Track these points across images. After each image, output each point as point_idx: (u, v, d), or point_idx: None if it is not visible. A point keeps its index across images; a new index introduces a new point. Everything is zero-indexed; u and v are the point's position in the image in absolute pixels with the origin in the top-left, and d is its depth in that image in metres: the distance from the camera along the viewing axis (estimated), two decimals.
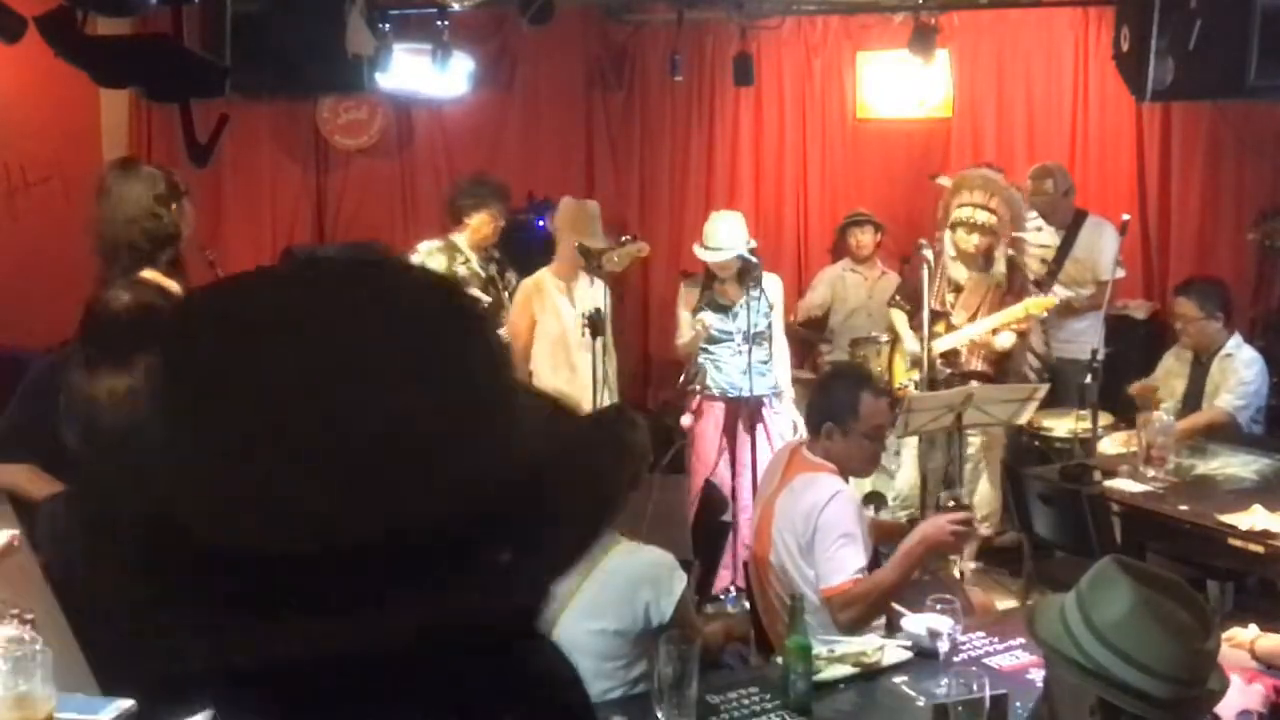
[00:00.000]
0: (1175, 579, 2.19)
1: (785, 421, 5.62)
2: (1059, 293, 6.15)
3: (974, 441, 5.65)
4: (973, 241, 5.65)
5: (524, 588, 0.73)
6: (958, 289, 5.73)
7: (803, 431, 4.65)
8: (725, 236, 5.58)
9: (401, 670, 0.70)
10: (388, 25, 5.33)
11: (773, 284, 5.69)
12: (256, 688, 0.69)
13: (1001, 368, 5.74)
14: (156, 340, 0.74)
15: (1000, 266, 5.71)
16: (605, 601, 3.17)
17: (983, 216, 5.65)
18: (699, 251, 5.68)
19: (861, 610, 3.47)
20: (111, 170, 4.49)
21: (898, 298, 6.05)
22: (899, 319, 5.92)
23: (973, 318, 5.69)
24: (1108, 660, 2.03)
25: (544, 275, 5.65)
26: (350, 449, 0.67)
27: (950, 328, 5.69)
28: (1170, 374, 5.70)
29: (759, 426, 5.57)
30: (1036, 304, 5.62)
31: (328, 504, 0.66)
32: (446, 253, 5.79)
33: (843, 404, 3.76)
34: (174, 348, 0.72)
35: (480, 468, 0.70)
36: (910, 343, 5.75)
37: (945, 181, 6.00)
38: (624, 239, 6.13)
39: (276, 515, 0.66)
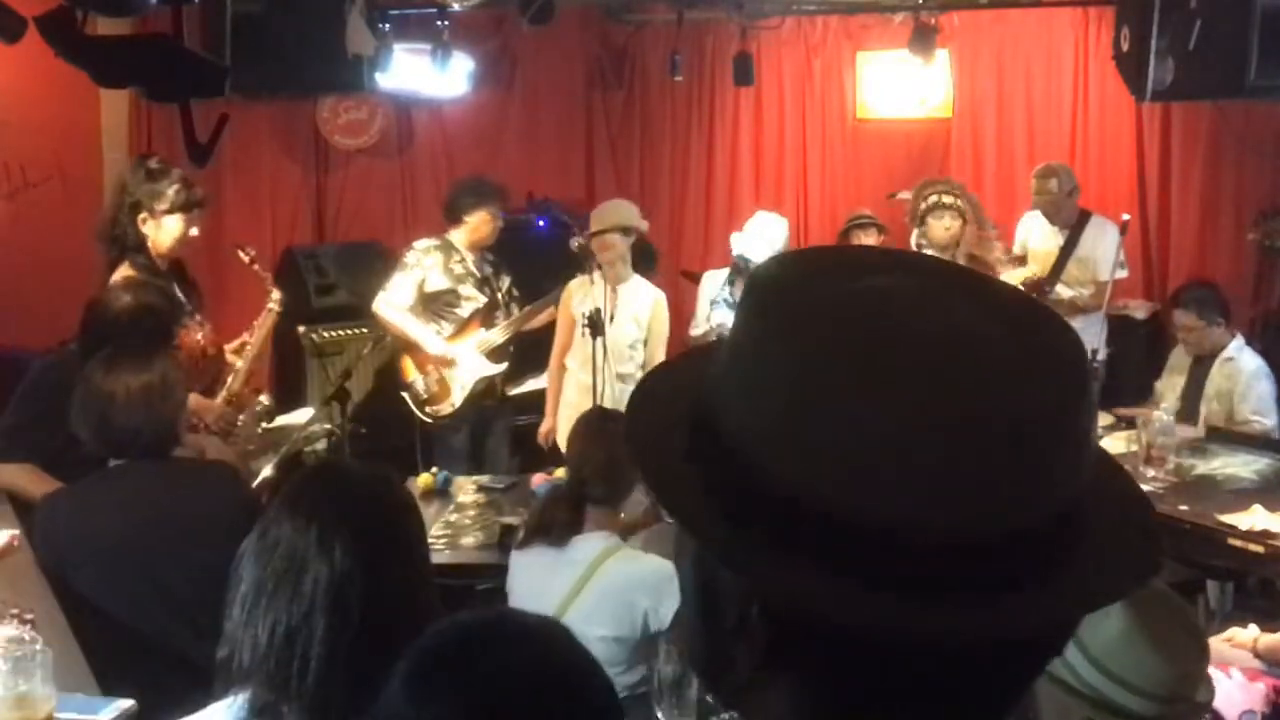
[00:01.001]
0: (1164, 590, 2.20)
1: None
2: (1062, 293, 6.15)
3: None
4: (944, 225, 5.88)
5: (1085, 603, 0.76)
6: None
7: None
8: (754, 241, 5.75)
9: (980, 665, 0.73)
10: (388, 25, 5.34)
11: None
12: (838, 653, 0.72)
13: None
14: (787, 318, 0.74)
15: (961, 255, 5.85)
16: (604, 608, 3.16)
17: (948, 199, 5.92)
18: (734, 239, 5.93)
19: None
20: (130, 164, 4.65)
21: None
22: None
23: None
24: (1098, 682, 2.04)
25: (593, 275, 5.60)
26: (1025, 439, 0.69)
27: None
28: (1173, 371, 5.69)
29: None
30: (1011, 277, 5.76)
31: (999, 491, 0.69)
32: (442, 251, 5.76)
33: None
34: (822, 326, 0.72)
35: (1086, 476, 0.74)
36: None
37: (905, 195, 6.16)
38: None
39: (955, 498, 0.68)
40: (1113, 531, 0.75)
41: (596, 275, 5.37)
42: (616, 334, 5.37)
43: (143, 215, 4.34)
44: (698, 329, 6.02)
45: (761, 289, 0.77)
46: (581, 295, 5.53)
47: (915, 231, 6.03)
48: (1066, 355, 0.74)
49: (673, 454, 0.76)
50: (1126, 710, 2.03)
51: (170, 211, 4.36)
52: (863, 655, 0.71)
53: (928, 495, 0.68)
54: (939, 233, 5.90)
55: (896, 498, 0.68)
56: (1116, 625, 2.05)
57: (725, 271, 6.07)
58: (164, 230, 4.37)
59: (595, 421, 3.74)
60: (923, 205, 5.95)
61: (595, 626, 3.10)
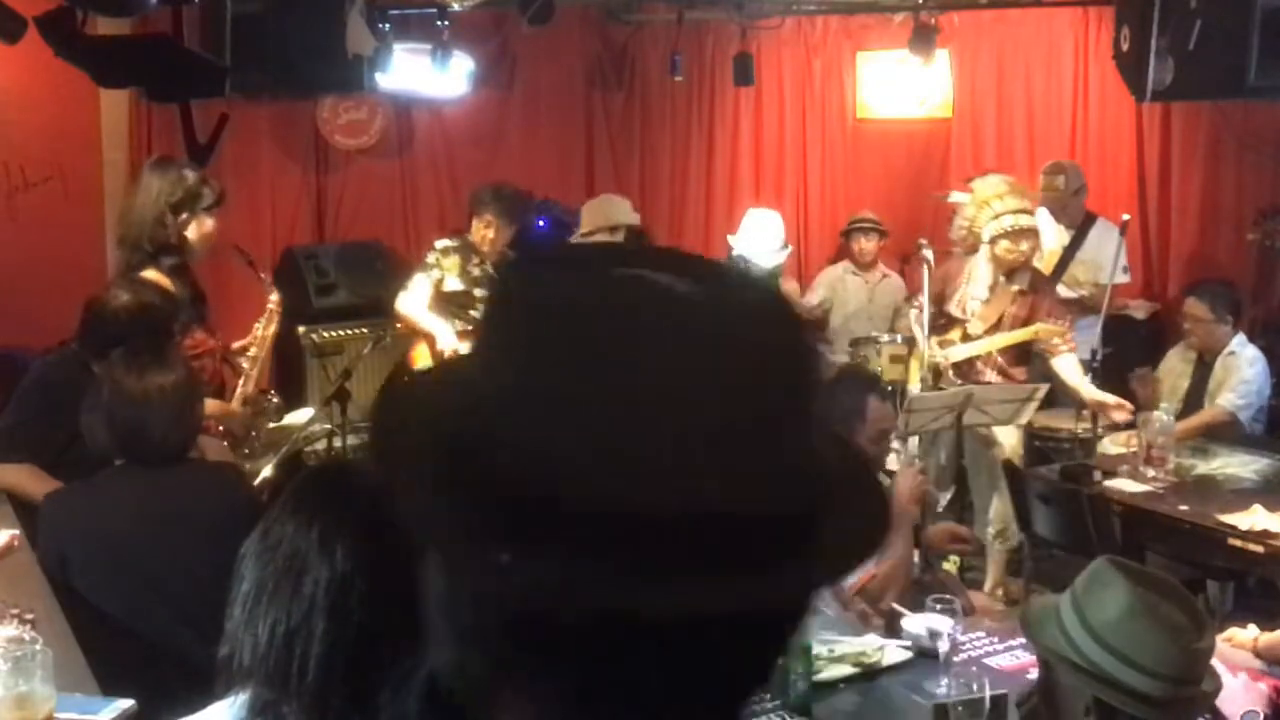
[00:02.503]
0: (1169, 579, 2.20)
1: None
2: (1063, 293, 6.13)
3: (985, 453, 5.55)
4: (1021, 249, 5.38)
5: (814, 583, 0.76)
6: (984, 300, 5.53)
7: None
8: (754, 239, 5.66)
9: (705, 644, 0.72)
10: (388, 25, 5.34)
11: (789, 290, 5.72)
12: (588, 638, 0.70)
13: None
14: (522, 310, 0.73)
15: (1027, 273, 5.53)
16: None
17: (1025, 221, 5.40)
18: (734, 243, 5.79)
19: (896, 589, 3.47)
20: (147, 164, 4.63)
21: (914, 297, 5.96)
22: (916, 328, 5.73)
23: (991, 328, 5.47)
24: (1104, 660, 2.04)
25: None
26: (735, 424, 0.69)
27: (967, 337, 5.53)
28: (1173, 372, 5.70)
29: None
30: (1045, 330, 5.38)
31: (711, 470, 0.68)
32: (460, 253, 5.81)
33: (848, 408, 3.72)
34: (544, 316, 0.72)
35: (807, 460, 0.74)
36: (935, 353, 5.57)
37: (960, 197, 5.75)
38: None
39: (675, 479, 0.68)
40: (847, 506, 0.76)
41: None
42: None
43: (184, 215, 4.37)
44: None
45: (493, 303, 0.77)
46: None
47: (984, 249, 5.44)
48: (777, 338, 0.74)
49: (412, 469, 0.74)
50: (1131, 688, 2.02)
51: (208, 209, 4.43)
52: (604, 651, 0.70)
53: (657, 475, 0.67)
54: (1014, 257, 5.36)
55: (629, 481, 0.67)
56: (1119, 603, 2.05)
57: None
58: (203, 228, 4.43)
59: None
60: (998, 228, 5.36)
61: None
